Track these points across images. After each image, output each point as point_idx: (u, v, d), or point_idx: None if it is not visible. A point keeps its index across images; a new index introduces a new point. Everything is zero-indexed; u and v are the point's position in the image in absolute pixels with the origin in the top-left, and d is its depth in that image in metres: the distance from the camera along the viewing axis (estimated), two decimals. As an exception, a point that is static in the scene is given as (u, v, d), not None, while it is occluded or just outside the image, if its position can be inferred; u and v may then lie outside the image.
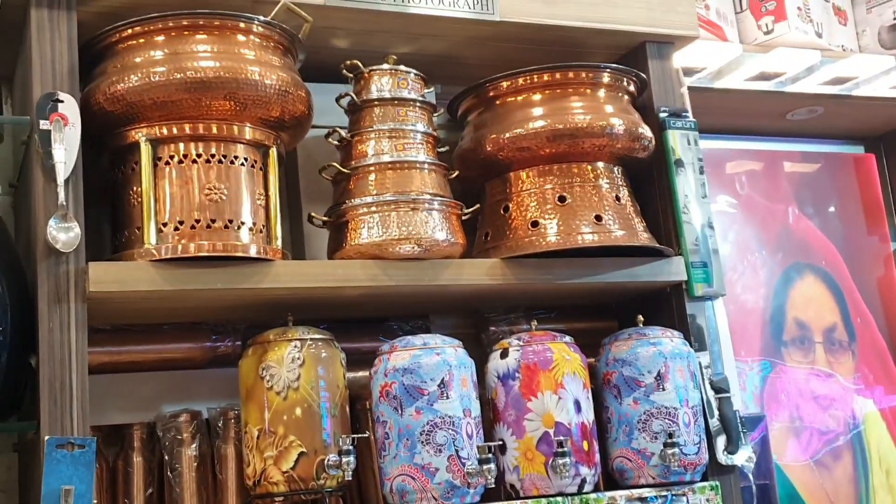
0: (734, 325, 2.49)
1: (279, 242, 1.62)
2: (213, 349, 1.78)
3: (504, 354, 1.72)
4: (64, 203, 1.46)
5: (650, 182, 1.94)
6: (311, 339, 1.62)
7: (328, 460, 1.54)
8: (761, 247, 2.61)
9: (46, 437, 1.39)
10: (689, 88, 2.13)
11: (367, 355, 1.74)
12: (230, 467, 1.70)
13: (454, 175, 1.81)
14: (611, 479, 1.79)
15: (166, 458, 1.69)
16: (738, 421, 1.82)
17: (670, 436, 1.69)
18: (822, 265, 2.71)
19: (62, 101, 1.50)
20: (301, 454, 1.56)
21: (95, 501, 1.45)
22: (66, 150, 1.48)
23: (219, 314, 1.75)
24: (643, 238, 1.80)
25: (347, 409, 1.65)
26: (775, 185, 2.70)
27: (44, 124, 1.47)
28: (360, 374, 1.78)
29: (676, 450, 1.69)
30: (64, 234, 1.45)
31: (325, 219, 1.73)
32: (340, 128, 1.77)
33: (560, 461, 1.61)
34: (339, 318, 1.86)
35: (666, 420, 1.72)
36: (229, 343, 1.78)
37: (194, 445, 1.70)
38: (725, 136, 2.65)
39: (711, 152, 2.50)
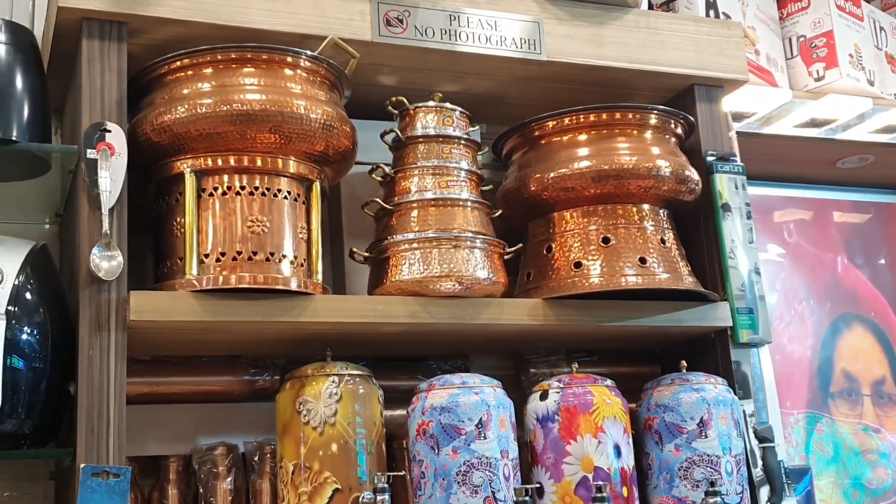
0: (781, 375, 2.45)
1: (320, 276, 1.61)
2: (252, 383, 1.77)
3: (544, 396, 1.69)
4: (108, 232, 1.47)
5: (696, 226, 1.92)
6: (350, 375, 1.61)
7: (363, 498, 1.52)
8: (809, 296, 2.57)
9: (82, 465, 1.39)
10: (738, 134, 2.11)
11: (405, 394, 1.73)
12: (265, 502, 1.68)
13: (497, 214, 1.80)
14: (650, 528, 1.75)
15: (201, 490, 1.68)
16: (783, 471, 1.78)
17: (712, 484, 1.65)
18: (872, 316, 2.66)
19: (110, 131, 1.51)
20: (336, 491, 1.54)
21: (129, 533, 1.45)
22: (111, 180, 1.49)
23: (258, 348, 1.74)
24: (688, 282, 1.78)
25: (384, 447, 1.63)
26: (824, 234, 2.66)
27: (91, 153, 1.49)
28: (398, 412, 1.76)
29: (718, 499, 1.64)
30: (107, 262, 1.46)
31: (366, 254, 1.73)
32: (384, 164, 1.77)
33: (598, 506, 1.58)
34: (378, 355, 1.85)
35: (708, 468, 1.68)
36: (267, 377, 1.77)
37: (230, 479, 1.69)
38: (774, 184, 2.62)
39: (759, 199, 2.48)
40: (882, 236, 2.75)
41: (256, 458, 1.71)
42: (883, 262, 2.73)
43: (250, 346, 1.72)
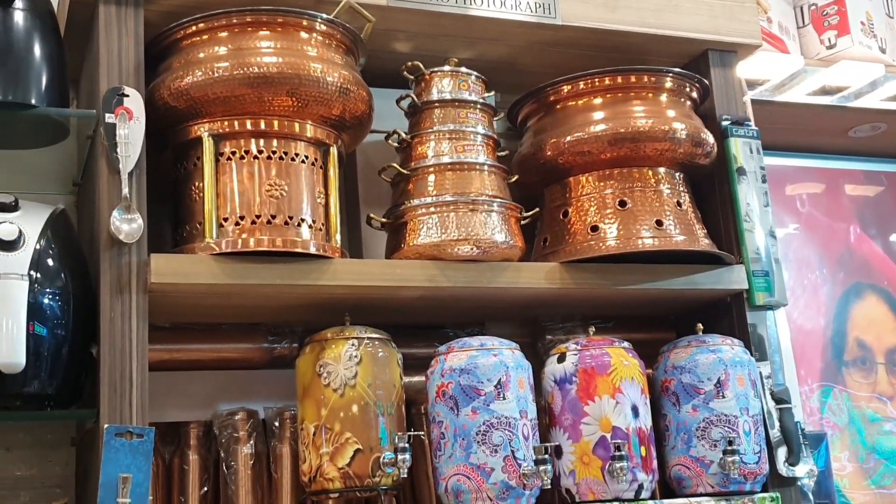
0: (794, 345, 2.45)
1: (338, 240, 1.62)
2: (270, 350, 1.78)
3: (561, 359, 1.70)
4: (127, 195, 1.48)
5: (711, 190, 1.92)
6: (369, 339, 1.62)
7: (384, 458, 1.54)
8: (822, 265, 2.57)
9: (106, 426, 1.40)
10: (751, 102, 2.11)
11: (422, 361, 1.73)
12: (285, 466, 1.69)
13: (514, 179, 1.80)
14: (668, 489, 1.76)
15: (222, 455, 1.69)
16: (800, 433, 1.79)
17: (730, 443, 1.66)
18: (885, 285, 2.66)
19: (128, 96, 1.52)
20: (357, 451, 1.55)
21: (151, 498, 1.46)
22: (130, 144, 1.50)
23: (276, 314, 1.75)
24: (704, 244, 1.78)
25: (403, 410, 1.64)
26: (837, 206, 2.66)
27: (109, 118, 1.50)
28: (416, 379, 1.77)
29: (736, 457, 1.65)
30: (127, 225, 1.47)
31: (383, 220, 1.73)
32: (401, 130, 1.77)
33: (617, 465, 1.58)
34: (396, 323, 1.85)
35: (726, 427, 1.69)
36: (286, 345, 1.78)
37: (250, 444, 1.70)
38: (786, 153, 2.62)
39: (771, 170, 2.47)
40: (894, 206, 2.75)
41: (277, 424, 1.72)
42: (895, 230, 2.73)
43: (269, 311, 1.73)
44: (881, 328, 2.62)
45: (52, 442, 1.73)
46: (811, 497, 1.96)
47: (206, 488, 1.70)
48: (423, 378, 1.68)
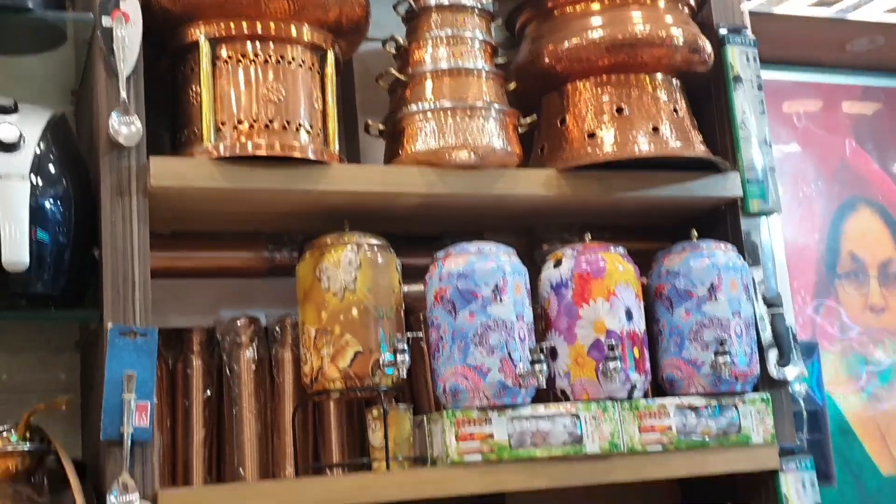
0: (789, 260, 2.47)
1: (336, 147, 1.63)
2: (271, 259, 1.79)
3: (557, 264, 1.72)
4: (126, 99, 1.48)
5: (708, 99, 1.93)
6: (368, 244, 1.64)
7: (383, 359, 1.56)
8: (817, 179, 2.59)
9: (110, 325, 1.42)
10: (749, 14, 2.11)
11: (420, 270, 1.74)
12: (287, 371, 1.72)
13: (512, 87, 1.80)
14: (661, 391, 1.79)
15: (225, 360, 1.72)
16: (791, 336, 1.81)
17: (721, 344, 1.69)
18: (880, 200, 2.68)
19: (124, -1, 1.52)
20: (357, 353, 1.58)
21: (156, 401, 1.48)
22: (127, 48, 1.50)
23: (275, 222, 1.76)
24: (700, 150, 1.79)
25: (402, 315, 1.66)
26: (834, 120, 2.66)
27: (106, 21, 1.50)
28: (414, 288, 1.78)
29: (727, 358, 1.68)
30: (126, 128, 1.48)
31: (381, 127, 1.74)
32: (398, 36, 1.77)
33: (611, 365, 1.61)
34: (394, 232, 1.86)
35: (717, 330, 1.71)
36: (286, 253, 1.80)
37: (252, 348, 1.72)
38: (783, 67, 2.61)
39: (769, 85, 2.47)
40: (891, 121, 2.75)
41: (278, 329, 1.75)
42: (891, 144, 2.73)
43: (268, 219, 1.75)
44: (875, 242, 2.64)
45: (56, 346, 1.75)
46: (801, 404, 2.00)
47: (209, 392, 1.73)
48: (422, 287, 1.70)
